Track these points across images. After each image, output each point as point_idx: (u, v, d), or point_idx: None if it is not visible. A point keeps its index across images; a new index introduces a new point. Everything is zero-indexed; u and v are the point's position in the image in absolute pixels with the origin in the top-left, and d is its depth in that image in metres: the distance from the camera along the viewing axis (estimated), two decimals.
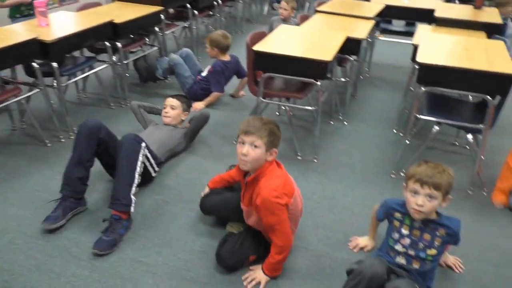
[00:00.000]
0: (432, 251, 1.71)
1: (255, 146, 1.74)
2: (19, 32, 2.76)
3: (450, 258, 2.02)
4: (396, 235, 1.78)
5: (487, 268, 2.04)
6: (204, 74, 3.65)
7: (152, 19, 3.68)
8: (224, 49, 3.60)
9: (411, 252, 1.73)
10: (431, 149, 3.03)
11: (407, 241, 1.74)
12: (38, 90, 2.83)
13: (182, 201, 2.41)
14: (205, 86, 3.59)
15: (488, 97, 2.32)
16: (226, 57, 3.64)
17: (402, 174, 2.71)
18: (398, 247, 1.76)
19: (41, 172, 2.61)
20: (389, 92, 4.02)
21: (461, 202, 2.48)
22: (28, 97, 2.88)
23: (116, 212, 2.10)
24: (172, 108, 2.93)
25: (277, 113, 3.53)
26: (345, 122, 3.41)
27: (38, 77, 2.74)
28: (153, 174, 2.51)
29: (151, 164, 2.44)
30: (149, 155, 2.39)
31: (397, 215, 1.78)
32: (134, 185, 2.17)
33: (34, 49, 2.66)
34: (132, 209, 2.13)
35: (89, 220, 2.23)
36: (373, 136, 3.22)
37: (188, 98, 3.11)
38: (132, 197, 2.14)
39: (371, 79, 4.34)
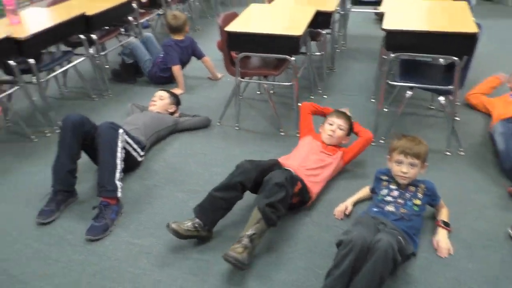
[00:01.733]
0: (417, 201, 2.01)
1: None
2: None
3: (443, 241, 1.99)
4: (384, 191, 2.07)
5: (466, 222, 2.15)
6: (161, 55, 3.73)
7: (124, 8, 3.69)
8: (174, 30, 3.68)
9: (400, 201, 1.99)
10: (408, 115, 3.14)
11: (395, 193, 2.04)
12: (17, 87, 2.85)
13: (170, 183, 2.49)
14: (164, 67, 3.66)
15: (455, 58, 2.41)
16: (179, 37, 3.72)
17: (381, 141, 2.81)
18: (388, 198, 2.02)
19: (30, 168, 2.66)
20: (367, 62, 4.10)
21: (440, 163, 2.59)
22: (9, 95, 2.90)
23: (104, 198, 2.18)
24: (160, 98, 3.03)
25: (257, 92, 3.59)
26: (324, 96, 3.49)
27: (16, 74, 2.77)
28: (139, 159, 2.58)
29: (134, 149, 2.50)
30: (129, 140, 2.45)
31: (384, 177, 2.14)
32: (117, 170, 2.23)
33: (9, 47, 2.68)
34: (119, 194, 2.21)
35: (81, 209, 2.30)
36: (352, 107, 3.26)
37: (177, 95, 3.18)
38: (117, 182, 2.21)
39: (348, 51, 4.42)
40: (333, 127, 2.48)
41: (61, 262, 1.97)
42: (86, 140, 2.31)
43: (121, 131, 2.33)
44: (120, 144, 2.29)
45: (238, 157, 2.69)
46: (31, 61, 2.80)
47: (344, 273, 1.64)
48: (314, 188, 2.27)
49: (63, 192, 2.28)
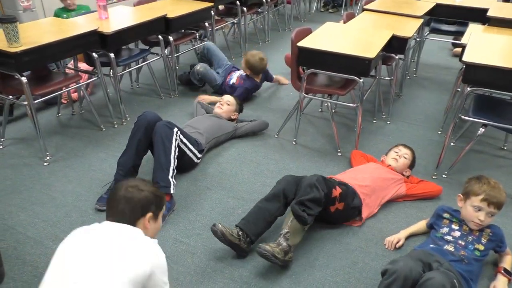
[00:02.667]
0: (480, 246, 1.88)
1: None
2: (81, 24, 2.98)
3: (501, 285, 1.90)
4: (445, 229, 1.97)
5: None
6: (232, 82, 3.70)
7: (202, 14, 3.83)
8: (258, 72, 3.70)
9: (461, 242, 1.89)
10: (477, 152, 2.96)
11: (457, 233, 1.94)
12: (96, 78, 3.05)
13: (222, 188, 2.53)
14: (229, 91, 3.62)
15: None
16: (258, 78, 3.74)
17: (444, 176, 2.68)
18: (448, 237, 1.92)
19: (96, 154, 2.83)
20: (436, 93, 3.94)
21: (509, 209, 2.42)
22: (87, 84, 3.11)
23: None
24: (227, 104, 3.11)
25: (319, 109, 3.57)
26: (387, 121, 3.39)
27: (97, 66, 2.96)
28: (196, 161, 2.64)
29: (190, 150, 2.56)
30: (185, 140, 2.50)
31: (446, 215, 2.03)
32: (171, 168, 2.30)
33: (95, 40, 2.88)
34: (171, 190, 2.27)
35: None
36: (417, 137, 3.18)
37: (242, 103, 3.26)
38: (171, 179, 2.28)
39: (418, 79, 4.27)
40: (399, 153, 2.53)
41: None
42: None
43: (175, 129, 2.40)
44: (174, 143, 2.36)
45: (291, 171, 2.70)
46: (112, 55, 2.99)
47: None
48: (368, 209, 2.26)
49: None
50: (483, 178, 1.92)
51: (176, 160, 2.36)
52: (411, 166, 2.56)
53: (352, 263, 2.02)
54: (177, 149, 2.39)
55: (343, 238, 2.17)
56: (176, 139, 2.39)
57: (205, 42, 3.89)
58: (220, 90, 3.74)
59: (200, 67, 3.76)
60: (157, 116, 2.46)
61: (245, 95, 3.62)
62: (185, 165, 2.60)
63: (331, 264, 2.01)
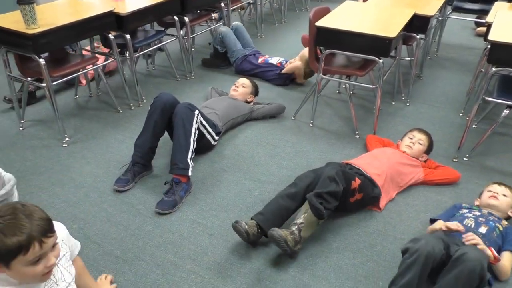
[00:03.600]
0: (500, 227, 1.83)
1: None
2: (96, 5, 2.97)
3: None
4: (465, 210, 1.96)
5: None
6: (272, 61, 3.63)
7: None
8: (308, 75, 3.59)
9: (481, 219, 1.86)
10: (500, 135, 2.88)
11: (477, 213, 1.93)
12: (112, 60, 3.05)
13: (239, 170, 2.52)
14: (261, 70, 3.59)
15: None
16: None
17: (465, 158, 2.62)
18: (468, 214, 1.91)
19: (113, 136, 2.85)
20: (458, 74, 3.83)
21: None
22: (104, 66, 3.11)
23: (176, 176, 2.26)
24: (243, 86, 3.09)
25: (337, 91, 3.51)
26: (407, 103, 3.31)
27: (113, 47, 2.96)
28: (213, 143, 2.64)
29: (209, 132, 2.56)
30: (204, 122, 2.50)
31: (464, 204, 2.04)
32: (190, 150, 2.30)
33: (111, 21, 2.86)
34: (189, 172, 2.27)
35: (154, 182, 2.41)
36: (437, 119, 3.11)
37: (257, 86, 3.21)
38: (189, 161, 2.28)
39: (440, 59, 4.15)
40: (414, 140, 2.47)
41: (130, 230, 2.08)
42: (170, 119, 2.41)
43: (197, 112, 2.39)
44: (194, 125, 2.35)
45: (308, 153, 2.68)
46: (128, 37, 2.97)
47: (409, 283, 1.56)
48: (386, 195, 2.23)
49: (141, 165, 2.40)
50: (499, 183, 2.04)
51: (195, 143, 2.35)
52: (428, 151, 2.50)
53: (369, 246, 2.00)
54: (197, 131, 2.38)
55: (360, 221, 2.15)
56: (196, 122, 2.38)
57: (223, 28, 3.81)
58: (238, 61, 3.69)
59: (224, 28, 3.73)
60: (173, 97, 2.44)
61: (285, 79, 3.57)
62: (202, 147, 2.59)
63: (348, 247, 1.99)
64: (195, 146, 2.35)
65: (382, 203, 2.21)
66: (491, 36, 2.29)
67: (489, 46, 2.36)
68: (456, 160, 2.61)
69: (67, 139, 2.78)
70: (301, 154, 2.68)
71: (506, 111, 2.44)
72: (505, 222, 1.90)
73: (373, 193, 2.15)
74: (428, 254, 1.56)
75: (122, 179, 2.34)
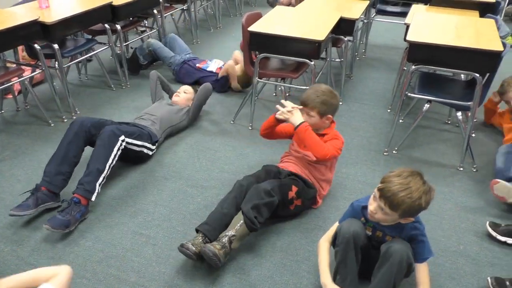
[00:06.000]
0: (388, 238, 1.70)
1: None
2: (20, 14, 2.82)
3: None
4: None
5: (474, 239, 2.13)
6: (210, 69, 3.63)
7: (151, 1, 3.73)
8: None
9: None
10: (424, 128, 3.11)
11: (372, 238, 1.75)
12: (40, 71, 2.91)
13: (180, 178, 2.51)
14: (201, 75, 3.57)
15: (477, 74, 2.39)
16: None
17: (394, 152, 2.80)
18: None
19: (45, 151, 2.71)
20: (385, 72, 4.08)
21: (452, 179, 2.57)
22: (31, 78, 2.96)
23: (78, 195, 2.13)
24: (184, 92, 3.07)
25: (274, 93, 3.60)
26: (340, 102, 3.46)
27: (40, 58, 2.82)
28: (150, 153, 2.61)
29: (143, 146, 2.52)
30: (135, 141, 2.43)
31: (361, 219, 1.75)
32: (103, 175, 2.21)
33: (36, 30, 2.73)
34: (93, 197, 2.16)
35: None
36: (368, 116, 3.29)
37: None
38: (98, 186, 2.18)
39: (368, 60, 4.39)
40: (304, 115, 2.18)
41: (68, 247, 2.00)
42: (92, 142, 2.33)
43: (122, 137, 2.32)
44: (115, 151, 2.28)
45: (248, 156, 2.73)
46: (56, 46, 2.85)
47: (350, 267, 1.66)
48: (322, 185, 2.29)
49: (47, 193, 2.17)
50: (401, 170, 1.59)
51: (111, 169, 2.26)
52: (323, 113, 2.16)
53: (311, 242, 2.08)
54: (116, 157, 2.29)
55: (301, 219, 2.22)
56: (119, 148, 2.30)
57: (151, 40, 3.75)
58: (177, 67, 3.66)
59: (152, 40, 3.68)
60: (91, 120, 2.36)
61: (223, 84, 3.58)
62: (140, 158, 2.56)
63: (291, 244, 2.06)
64: (109, 173, 2.25)
65: (324, 192, 2.30)
66: (409, 37, 2.48)
67: (408, 46, 2.55)
68: (387, 154, 2.79)
69: None
70: (242, 157, 2.72)
71: (426, 105, 2.64)
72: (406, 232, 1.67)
73: (310, 195, 2.21)
74: (354, 235, 1.64)
75: (22, 205, 2.09)
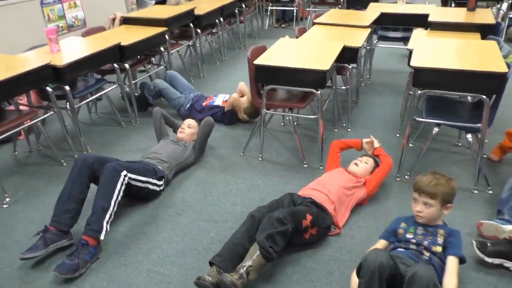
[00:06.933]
0: (437, 248, 1.85)
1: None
2: (32, 59, 2.91)
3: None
4: (408, 235, 1.95)
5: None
6: (217, 103, 3.66)
7: (157, 39, 3.83)
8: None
9: (419, 248, 1.88)
10: (434, 151, 3.10)
11: (413, 241, 1.91)
12: (52, 112, 2.97)
13: (193, 212, 2.51)
14: (208, 114, 3.53)
15: (484, 96, 2.39)
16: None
17: (406, 177, 2.78)
18: (406, 244, 1.92)
19: (58, 191, 2.70)
20: (391, 97, 4.10)
21: (467, 202, 2.53)
22: (43, 119, 3.01)
23: (85, 237, 2.12)
24: (189, 126, 3.08)
25: (282, 123, 3.62)
26: (348, 129, 3.49)
27: (52, 100, 2.89)
28: (158, 189, 2.60)
29: (149, 183, 2.51)
30: (139, 177, 2.43)
31: (403, 224, 2.00)
32: (109, 213, 2.20)
33: (48, 74, 2.81)
34: (102, 236, 2.14)
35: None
36: None
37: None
38: (105, 224, 2.17)
39: (373, 85, 4.43)
40: (361, 160, 2.65)
41: None
42: (96, 179, 2.34)
43: (124, 173, 2.32)
44: (119, 186, 2.28)
45: (260, 187, 2.72)
46: (67, 88, 2.92)
47: None
48: (340, 216, 2.33)
49: (56, 232, 2.17)
50: (430, 172, 1.95)
51: (116, 205, 2.26)
52: (373, 170, 2.64)
53: (328, 274, 2.04)
54: (121, 193, 2.29)
55: (317, 250, 2.19)
56: (122, 183, 2.30)
57: (157, 80, 3.81)
58: (182, 108, 3.70)
59: (158, 80, 3.73)
60: (93, 157, 2.38)
61: (231, 117, 3.62)
62: (147, 195, 2.57)
63: (307, 277, 2.02)
64: (115, 209, 2.25)
65: (340, 224, 2.30)
66: (413, 62, 2.51)
67: (412, 71, 2.58)
68: (399, 179, 2.77)
69: (7, 199, 2.64)
70: (253, 189, 2.72)
71: (436, 129, 2.64)
72: (442, 231, 1.90)
73: (326, 224, 2.21)
74: (379, 265, 1.61)
75: (31, 247, 2.09)
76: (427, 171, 2.78)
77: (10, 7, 4.33)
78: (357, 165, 2.60)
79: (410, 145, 3.13)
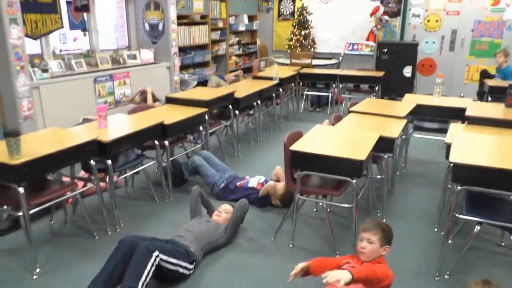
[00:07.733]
0: None
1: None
2: (80, 134, 3.09)
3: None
4: None
5: None
6: (252, 185, 3.69)
7: (197, 119, 4.01)
8: None
9: None
10: (475, 250, 2.94)
11: None
12: (92, 185, 3.07)
13: None
14: (241, 195, 3.52)
15: None
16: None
17: (446, 277, 2.62)
18: None
19: (88, 264, 2.73)
20: (427, 188, 4.01)
21: None
22: (82, 192, 3.11)
23: None
24: (225, 211, 3.10)
25: (314, 209, 3.58)
26: (383, 219, 3.39)
27: (94, 173, 3.00)
28: (187, 273, 2.56)
29: (179, 265, 2.48)
30: (170, 259, 2.42)
31: None
32: None
33: (93, 148, 2.96)
34: None
35: None
36: (413, 234, 3.17)
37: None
38: None
39: (408, 174, 4.37)
40: (362, 243, 2.26)
41: None
42: None
43: (155, 253, 2.32)
44: (149, 267, 2.27)
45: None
46: (109, 162, 3.05)
47: None
48: None
49: None
50: (481, 281, 1.82)
51: (145, 287, 2.24)
52: (383, 243, 2.24)
53: None
54: (150, 274, 2.28)
55: None
56: (153, 264, 2.30)
57: (195, 157, 3.93)
58: (216, 186, 3.74)
59: (196, 157, 3.82)
60: (138, 238, 2.42)
61: (264, 202, 3.62)
62: (175, 279, 2.52)
63: None
64: None
65: None
66: (452, 158, 2.48)
67: (451, 165, 2.54)
68: (438, 279, 2.61)
69: (38, 269, 2.65)
70: (284, 276, 2.61)
71: (477, 227, 2.52)
72: None
73: None
74: None
75: None
76: (468, 271, 2.66)
77: (66, 83, 4.73)
78: (363, 252, 2.24)
79: (450, 241, 2.99)
